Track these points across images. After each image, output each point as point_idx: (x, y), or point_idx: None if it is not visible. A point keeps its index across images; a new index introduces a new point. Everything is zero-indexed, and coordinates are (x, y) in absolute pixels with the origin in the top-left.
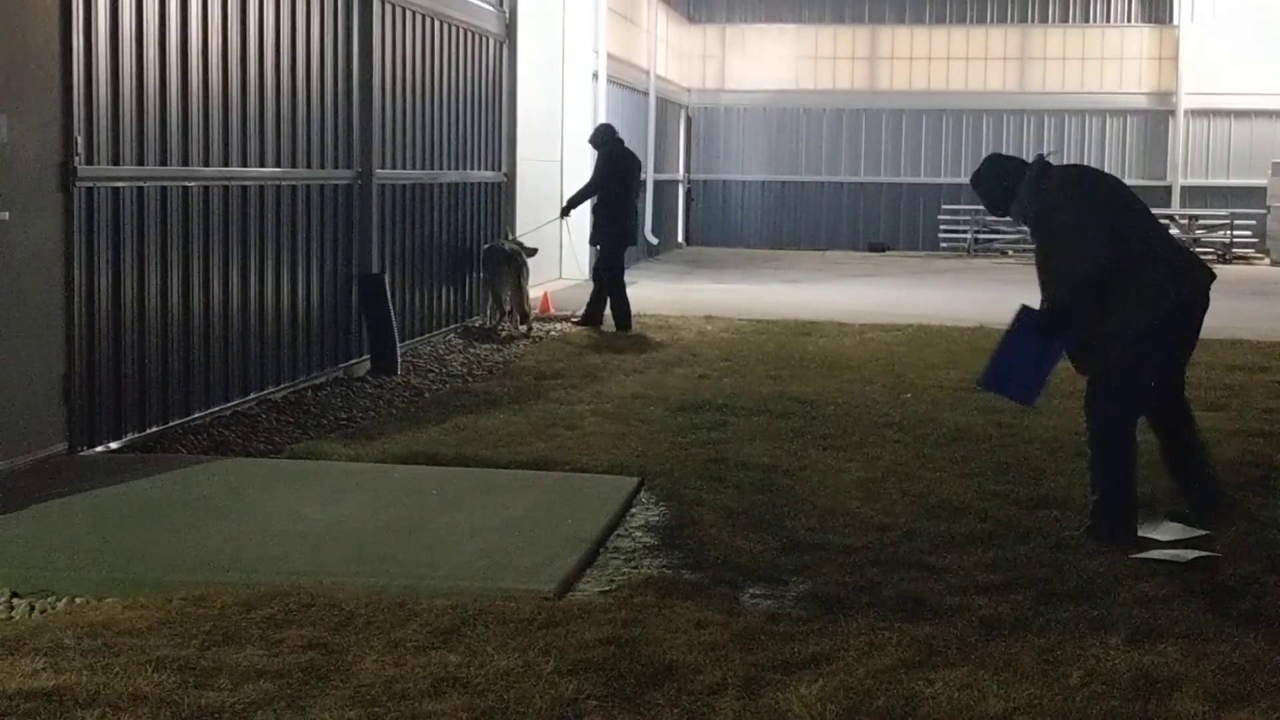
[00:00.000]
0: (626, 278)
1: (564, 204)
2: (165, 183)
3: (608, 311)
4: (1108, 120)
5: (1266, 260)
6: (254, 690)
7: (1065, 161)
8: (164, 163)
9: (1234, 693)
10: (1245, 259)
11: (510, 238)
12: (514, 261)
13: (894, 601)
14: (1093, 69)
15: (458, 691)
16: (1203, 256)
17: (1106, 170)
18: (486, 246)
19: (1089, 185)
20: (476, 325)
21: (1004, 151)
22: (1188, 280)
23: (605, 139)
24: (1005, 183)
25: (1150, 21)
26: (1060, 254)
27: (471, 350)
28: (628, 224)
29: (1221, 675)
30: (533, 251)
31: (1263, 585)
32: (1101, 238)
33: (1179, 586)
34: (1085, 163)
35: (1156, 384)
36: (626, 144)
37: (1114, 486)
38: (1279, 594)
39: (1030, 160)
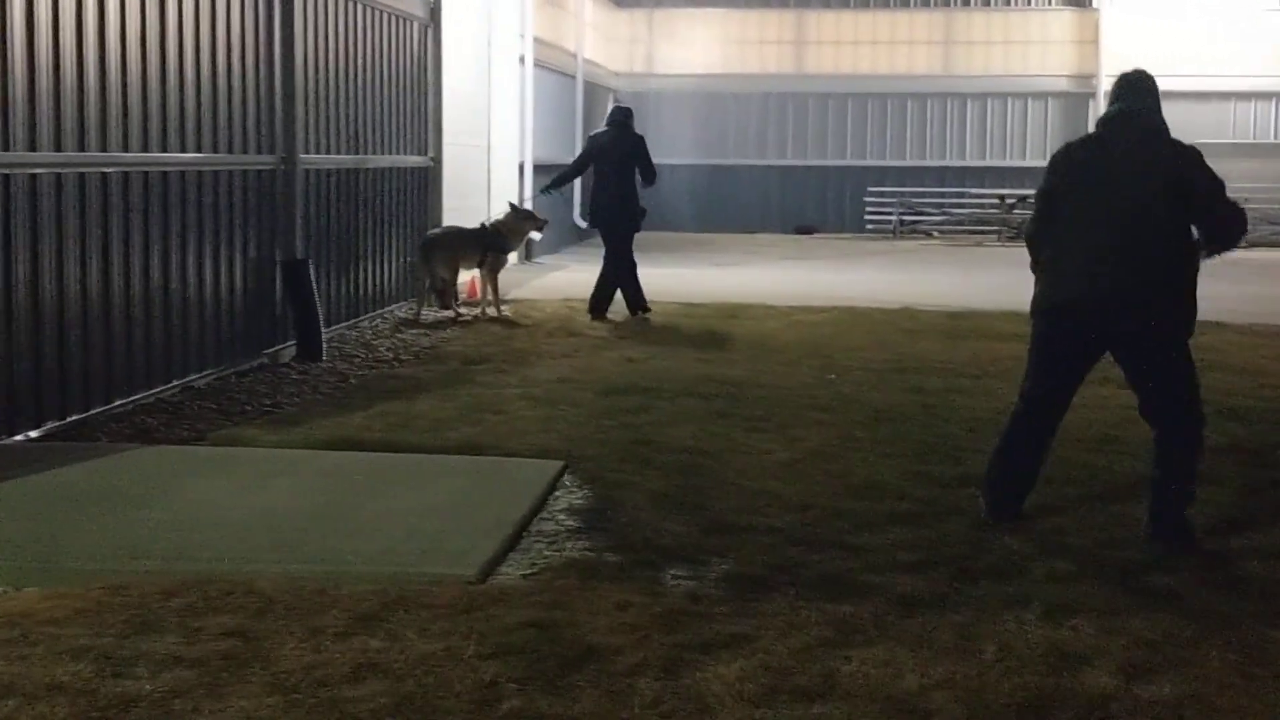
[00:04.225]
0: (555, 260)
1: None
2: (84, 169)
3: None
4: (1029, 103)
5: None
6: (172, 679)
7: (985, 141)
8: (82, 149)
9: (1145, 666)
10: None
11: (516, 207)
12: (438, 245)
13: (814, 581)
14: (1016, 52)
15: (378, 677)
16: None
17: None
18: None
19: (1076, 149)
20: (404, 311)
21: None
22: (1061, 289)
23: (608, 119)
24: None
25: (1071, 4)
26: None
27: (398, 335)
28: (596, 204)
29: (1133, 649)
30: (543, 223)
31: (1173, 561)
32: (1042, 205)
33: (1093, 563)
34: (1006, 144)
35: (1053, 386)
36: (631, 126)
37: (991, 460)
38: (1189, 570)
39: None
